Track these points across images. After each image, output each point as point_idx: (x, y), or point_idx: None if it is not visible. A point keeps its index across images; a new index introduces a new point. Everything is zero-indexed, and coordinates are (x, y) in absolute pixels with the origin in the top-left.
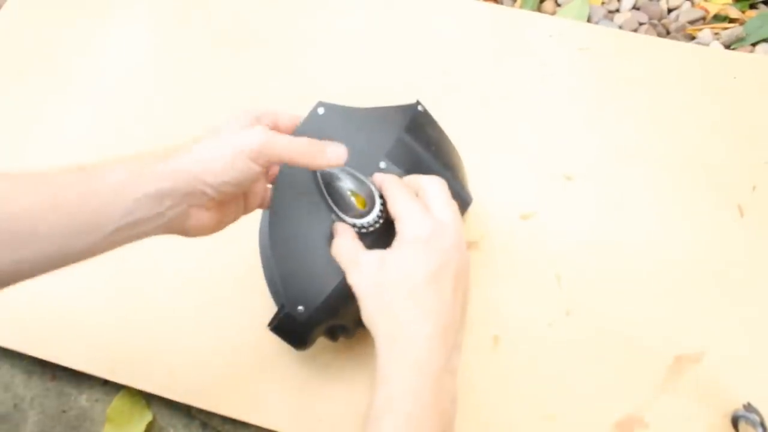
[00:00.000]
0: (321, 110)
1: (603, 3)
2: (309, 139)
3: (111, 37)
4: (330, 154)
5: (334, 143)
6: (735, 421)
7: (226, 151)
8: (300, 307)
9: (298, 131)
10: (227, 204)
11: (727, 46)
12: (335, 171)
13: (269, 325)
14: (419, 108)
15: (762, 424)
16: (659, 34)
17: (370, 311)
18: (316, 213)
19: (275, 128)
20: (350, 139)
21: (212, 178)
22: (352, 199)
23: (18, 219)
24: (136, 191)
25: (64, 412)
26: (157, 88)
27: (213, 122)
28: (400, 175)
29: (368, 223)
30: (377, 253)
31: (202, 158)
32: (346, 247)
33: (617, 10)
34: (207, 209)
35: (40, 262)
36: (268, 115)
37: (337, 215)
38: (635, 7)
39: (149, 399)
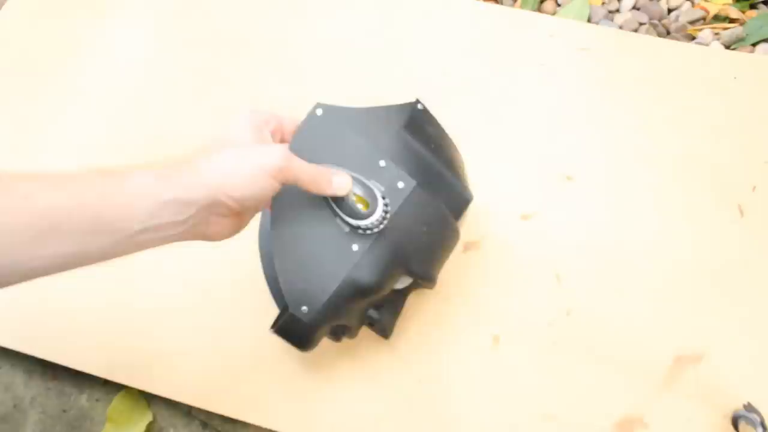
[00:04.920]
0: (319, 111)
1: (603, 3)
2: (320, 167)
3: (110, 38)
4: (336, 185)
5: (340, 173)
6: (735, 421)
7: (249, 167)
8: (304, 308)
9: (297, 133)
10: (246, 212)
11: (727, 46)
12: None
13: (272, 327)
14: (419, 106)
15: (762, 424)
16: (659, 34)
17: None
18: (318, 214)
19: (280, 131)
20: (349, 139)
21: (235, 193)
22: (354, 200)
23: (40, 216)
24: (163, 195)
25: (64, 411)
26: (156, 87)
27: (217, 122)
28: (400, 175)
29: (371, 224)
30: None
31: (226, 172)
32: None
33: (617, 10)
34: (227, 217)
35: (58, 260)
36: (273, 119)
37: (339, 217)
38: (635, 7)
39: (149, 399)
